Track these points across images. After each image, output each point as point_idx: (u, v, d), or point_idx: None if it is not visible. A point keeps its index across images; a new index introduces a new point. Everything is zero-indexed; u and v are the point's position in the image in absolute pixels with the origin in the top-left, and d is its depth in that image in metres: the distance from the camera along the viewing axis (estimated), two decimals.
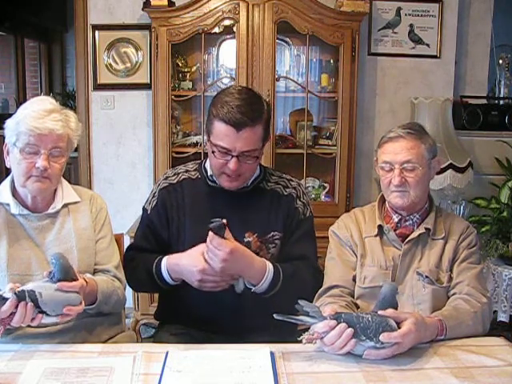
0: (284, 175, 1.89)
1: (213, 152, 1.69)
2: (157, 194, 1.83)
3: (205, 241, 1.60)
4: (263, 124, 1.70)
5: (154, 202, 1.82)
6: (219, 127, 1.67)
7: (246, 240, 1.71)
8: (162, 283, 1.73)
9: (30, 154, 1.56)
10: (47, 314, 1.40)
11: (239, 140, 1.65)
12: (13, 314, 1.37)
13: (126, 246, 1.95)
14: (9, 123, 1.59)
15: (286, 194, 1.83)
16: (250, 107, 1.67)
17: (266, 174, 1.86)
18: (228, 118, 1.64)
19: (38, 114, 1.56)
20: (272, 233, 1.77)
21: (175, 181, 1.83)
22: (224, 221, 1.57)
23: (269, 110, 1.75)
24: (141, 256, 1.81)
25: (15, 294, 1.36)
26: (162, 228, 1.81)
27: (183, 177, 1.84)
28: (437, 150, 1.73)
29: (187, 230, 1.78)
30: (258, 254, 1.71)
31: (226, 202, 1.78)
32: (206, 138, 1.82)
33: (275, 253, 1.78)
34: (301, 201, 1.84)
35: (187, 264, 1.64)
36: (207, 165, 1.83)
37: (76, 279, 1.47)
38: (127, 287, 1.79)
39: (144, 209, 1.86)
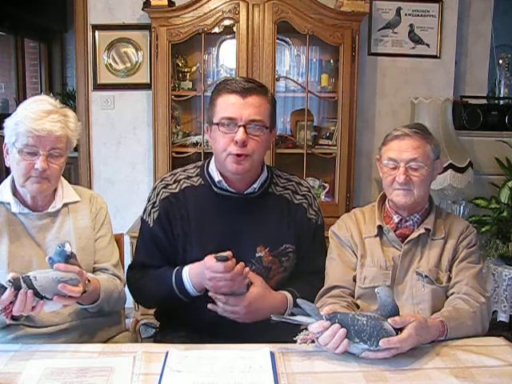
0: (292, 178, 1.82)
1: (218, 128, 1.58)
2: (158, 204, 1.71)
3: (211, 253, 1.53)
4: (270, 101, 1.63)
5: (156, 214, 1.70)
6: (223, 100, 1.59)
7: (257, 255, 1.66)
8: (183, 296, 1.64)
9: (28, 155, 1.56)
10: (47, 298, 1.39)
11: (246, 107, 1.56)
12: (13, 303, 1.36)
13: (125, 246, 1.94)
14: (8, 123, 1.59)
15: (296, 202, 1.76)
16: (257, 81, 1.68)
17: (274, 177, 1.78)
18: (233, 87, 1.57)
19: (36, 115, 1.55)
20: (284, 245, 1.71)
21: (177, 190, 1.71)
22: (229, 253, 1.50)
23: (274, 98, 1.68)
24: (150, 273, 1.71)
25: (10, 281, 1.36)
26: (169, 242, 1.70)
27: (185, 185, 1.72)
28: (440, 151, 1.73)
29: (194, 244, 1.67)
30: (270, 268, 1.69)
31: (235, 211, 1.69)
32: (207, 132, 1.72)
33: (288, 265, 1.73)
34: (313, 209, 1.79)
35: (200, 266, 1.57)
36: (211, 169, 1.72)
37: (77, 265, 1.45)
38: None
39: (144, 221, 1.74)
